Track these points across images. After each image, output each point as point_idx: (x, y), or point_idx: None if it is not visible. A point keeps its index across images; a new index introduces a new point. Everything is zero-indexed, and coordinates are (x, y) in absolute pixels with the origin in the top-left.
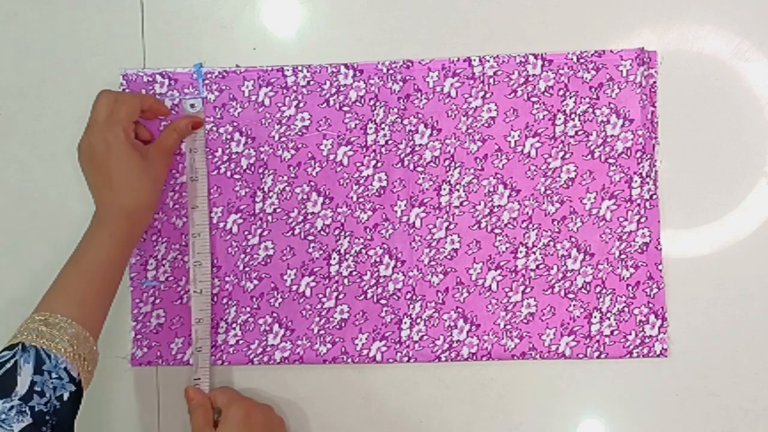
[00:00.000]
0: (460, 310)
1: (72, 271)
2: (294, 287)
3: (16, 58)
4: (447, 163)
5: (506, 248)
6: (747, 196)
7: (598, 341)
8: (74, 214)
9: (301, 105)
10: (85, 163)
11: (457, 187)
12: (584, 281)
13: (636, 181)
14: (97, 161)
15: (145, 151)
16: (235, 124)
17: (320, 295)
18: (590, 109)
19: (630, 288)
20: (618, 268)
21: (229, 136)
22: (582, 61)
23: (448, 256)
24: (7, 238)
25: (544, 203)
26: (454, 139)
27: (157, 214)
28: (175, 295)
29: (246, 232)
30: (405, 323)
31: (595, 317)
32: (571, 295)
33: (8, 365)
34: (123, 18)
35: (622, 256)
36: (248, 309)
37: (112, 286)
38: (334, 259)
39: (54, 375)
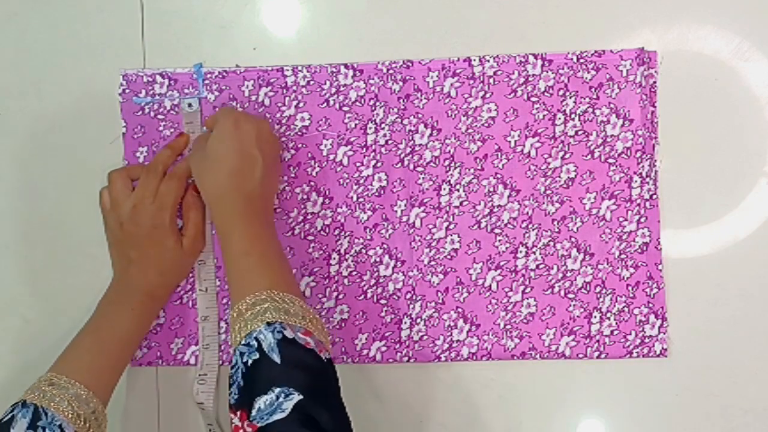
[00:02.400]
0: (460, 310)
1: (87, 338)
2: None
3: (16, 58)
4: (447, 163)
5: (506, 248)
6: (747, 196)
7: (598, 341)
8: (74, 214)
9: (301, 105)
10: (121, 236)
11: (457, 187)
12: (584, 281)
13: (636, 181)
14: (137, 240)
15: (181, 239)
16: None
17: (320, 295)
18: (590, 109)
19: (630, 288)
20: (618, 268)
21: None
22: (582, 61)
23: (448, 256)
24: (7, 238)
25: (544, 203)
26: (454, 139)
27: None
28: (174, 296)
29: None
30: (405, 323)
31: (595, 317)
32: (571, 295)
33: (5, 419)
34: (123, 18)
35: (622, 256)
36: None
37: (126, 355)
38: (334, 259)
39: (48, 431)
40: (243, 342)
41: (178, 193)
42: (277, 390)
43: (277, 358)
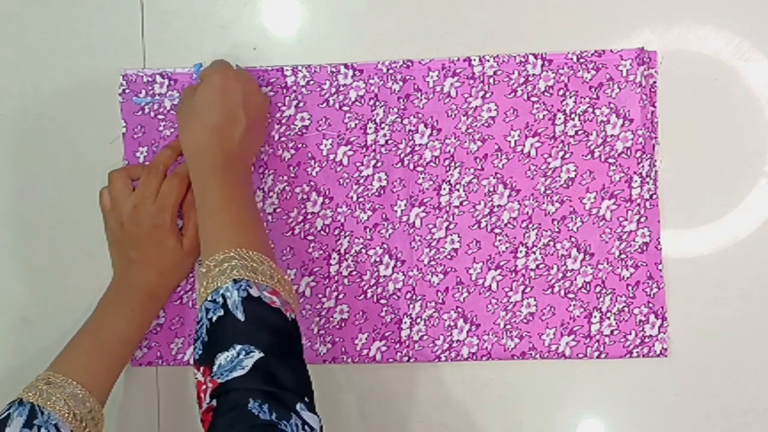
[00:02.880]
0: (460, 309)
1: (86, 338)
2: (294, 287)
3: (16, 58)
4: (447, 162)
5: (506, 248)
6: (747, 196)
7: (598, 341)
8: (74, 214)
9: (301, 105)
10: (121, 236)
11: (457, 186)
12: (584, 281)
13: (636, 181)
14: (137, 240)
15: (181, 239)
16: None
17: (320, 295)
18: (590, 109)
19: (630, 288)
20: (618, 267)
21: None
22: (582, 60)
23: (448, 256)
24: (7, 238)
25: (544, 203)
26: (454, 138)
27: None
28: (174, 296)
29: None
30: (405, 323)
31: (595, 317)
32: (571, 295)
33: (1, 417)
34: (123, 18)
35: (622, 256)
36: None
37: (125, 355)
38: (334, 258)
39: (43, 430)
40: (209, 298)
41: (179, 194)
42: (239, 347)
43: (240, 316)
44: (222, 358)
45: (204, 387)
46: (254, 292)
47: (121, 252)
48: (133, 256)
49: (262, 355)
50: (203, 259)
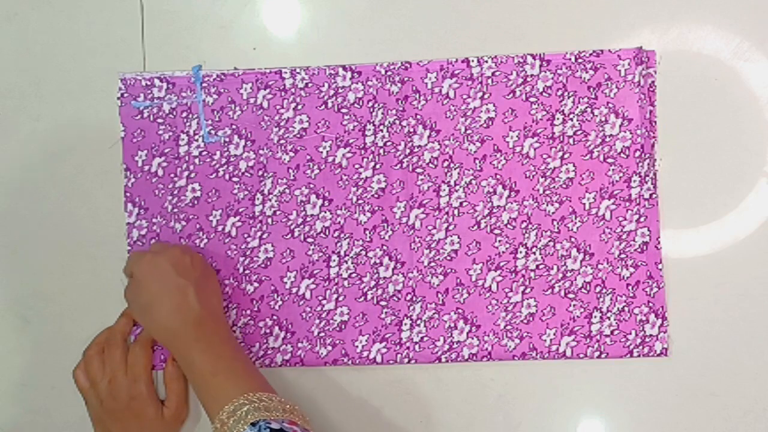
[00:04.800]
0: (460, 311)
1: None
2: (294, 289)
3: (16, 58)
4: (446, 164)
5: (506, 249)
6: (747, 196)
7: (598, 341)
8: (74, 214)
9: (300, 107)
10: (101, 413)
11: (457, 188)
12: (584, 281)
13: (635, 181)
14: (117, 414)
15: (162, 408)
16: (234, 126)
17: (320, 297)
18: (589, 109)
19: (630, 287)
20: (618, 267)
21: (227, 139)
22: (580, 61)
23: (448, 257)
24: (7, 238)
25: (543, 203)
26: (453, 140)
27: (155, 218)
28: None
29: (245, 235)
30: (405, 324)
31: (596, 317)
32: (571, 295)
33: None
34: (123, 18)
35: (622, 256)
36: (248, 312)
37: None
38: (334, 261)
39: None
40: None
41: (146, 361)
42: None
43: None
44: None
45: None
46: (275, 426)
47: (104, 428)
48: (115, 431)
49: None
50: (211, 418)
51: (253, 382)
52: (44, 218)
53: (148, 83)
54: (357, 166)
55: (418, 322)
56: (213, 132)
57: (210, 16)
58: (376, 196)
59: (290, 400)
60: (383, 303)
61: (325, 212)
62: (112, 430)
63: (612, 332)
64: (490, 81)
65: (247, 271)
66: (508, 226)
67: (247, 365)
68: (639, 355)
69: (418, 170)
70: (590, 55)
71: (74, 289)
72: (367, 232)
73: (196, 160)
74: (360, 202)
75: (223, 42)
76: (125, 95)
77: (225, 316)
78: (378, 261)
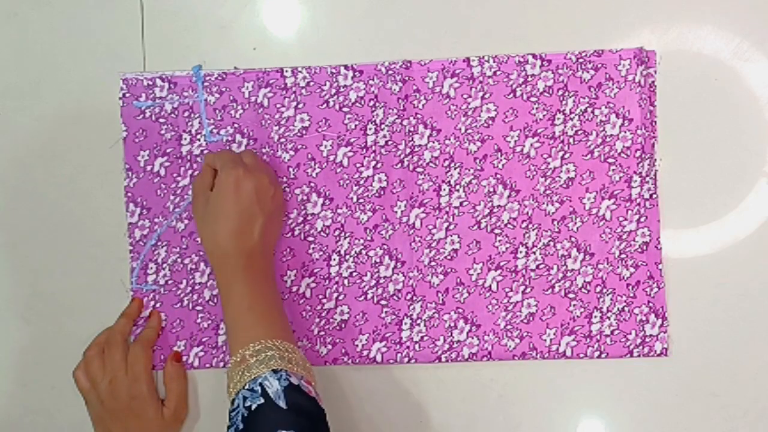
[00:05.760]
0: (460, 310)
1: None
2: (294, 288)
3: (16, 58)
4: (446, 163)
5: (506, 248)
6: (747, 196)
7: (598, 341)
8: (74, 215)
9: (301, 106)
10: (102, 413)
11: (457, 187)
12: (584, 281)
13: (635, 181)
14: (118, 414)
15: (162, 408)
16: (236, 125)
17: (320, 296)
18: (589, 109)
19: (630, 287)
20: (618, 267)
21: (229, 138)
22: (581, 60)
23: (448, 257)
24: (7, 238)
25: (543, 203)
26: (454, 139)
27: (157, 218)
28: (175, 299)
29: None
30: (405, 324)
31: (596, 317)
32: (571, 295)
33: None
34: (123, 18)
35: (622, 256)
36: None
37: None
38: (334, 260)
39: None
40: (246, 387)
41: (146, 361)
42: None
43: (283, 404)
44: None
45: None
46: (294, 381)
47: (105, 429)
48: (115, 431)
49: None
50: (233, 349)
51: (283, 330)
52: (44, 218)
53: (150, 83)
54: (358, 165)
55: (418, 321)
56: (215, 131)
57: (210, 16)
58: (376, 195)
59: (308, 360)
60: (383, 302)
61: (326, 211)
62: (113, 430)
63: (612, 332)
64: (490, 81)
65: None
66: (509, 225)
67: (282, 312)
68: (639, 355)
69: (419, 170)
70: (591, 55)
71: (74, 289)
72: (368, 231)
73: (198, 159)
74: (360, 201)
75: (223, 42)
76: (127, 95)
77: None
78: (378, 260)
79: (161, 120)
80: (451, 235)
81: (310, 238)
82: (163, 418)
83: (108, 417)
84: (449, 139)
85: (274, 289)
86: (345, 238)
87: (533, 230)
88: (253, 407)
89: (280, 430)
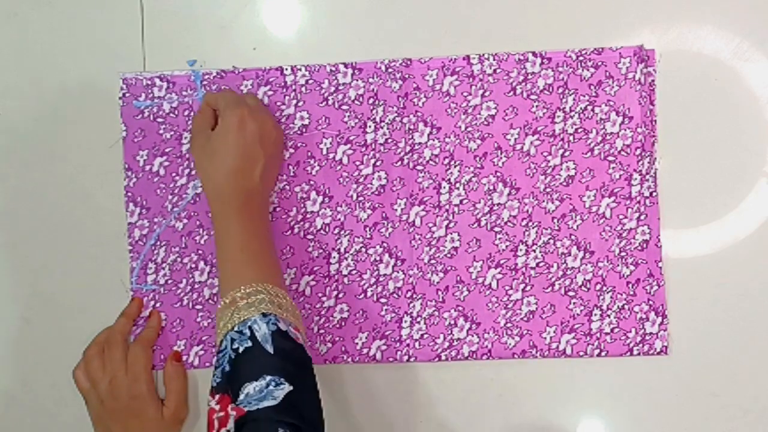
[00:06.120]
0: (460, 308)
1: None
2: (294, 286)
3: (16, 58)
4: (446, 161)
5: (506, 246)
6: (747, 196)
7: (598, 339)
8: (74, 215)
9: (300, 104)
10: (102, 413)
11: (457, 185)
12: (584, 279)
13: (635, 179)
14: (118, 414)
15: (161, 408)
16: None
17: (320, 294)
18: (589, 107)
19: (630, 285)
20: (618, 265)
21: None
22: (581, 58)
23: (448, 255)
24: (7, 238)
25: (543, 201)
26: (454, 137)
27: (156, 218)
28: (174, 298)
29: None
30: (405, 322)
31: (596, 315)
32: (571, 293)
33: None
34: (123, 18)
35: (622, 254)
36: None
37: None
38: (334, 257)
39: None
40: (236, 329)
41: (146, 361)
42: (269, 378)
43: (270, 348)
44: (250, 388)
45: (221, 414)
46: (282, 326)
47: (105, 428)
48: (115, 431)
49: (291, 387)
50: (223, 291)
51: (274, 274)
52: (44, 218)
53: (149, 83)
54: (357, 163)
55: (418, 319)
56: None
57: (210, 16)
58: (376, 193)
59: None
60: (383, 300)
61: (326, 209)
62: (113, 430)
63: (612, 330)
64: (490, 78)
65: None
66: (509, 223)
67: (274, 257)
68: (639, 353)
69: (419, 167)
70: (591, 52)
71: (74, 289)
72: (368, 229)
73: None
74: (360, 199)
75: (223, 42)
76: (126, 95)
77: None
78: (378, 258)
79: (160, 120)
80: (451, 233)
81: (310, 236)
82: (163, 418)
83: (108, 417)
84: (449, 137)
85: (269, 232)
86: (345, 236)
87: (533, 228)
88: (241, 350)
89: (267, 374)
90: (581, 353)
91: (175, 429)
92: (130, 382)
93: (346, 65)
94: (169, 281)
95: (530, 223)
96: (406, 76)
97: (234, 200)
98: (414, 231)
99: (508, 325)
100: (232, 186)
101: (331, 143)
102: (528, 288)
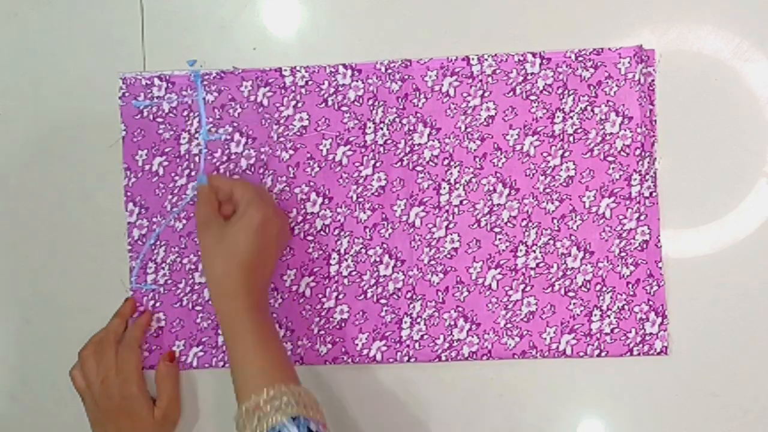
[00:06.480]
0: (460, 309)
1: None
2: (294, 287)
3: (16, 58)
4: (446, 162)
5: (506, 247)
6: (747, 196)
7: (598, 339)
8: (74, 215)
9: (300, 105)
10: (98, 413)
11: (457, 186)
12: (584, 279)
13: (635, 179)
14: (111, 414)
15: (153, 409)
16: (234, 124)
17: (320, 295)
18: (589, 107)
19: (630, 286)
20: (618, 265)
21: (228, 137)
22: (580, 59)
23: (448, 255)
24: (7, 238)
25: (543, 201)
26: (453, 138)
27: (156, 218)
28: (174, 298)
29: None
30: (405, 323)
31: (596, 315)
32: (571, 293)
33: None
34: (123, 18)
35: (622, 254)
36: None
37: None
38: (334, 259)
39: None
40: None
41: (136, 361)
42: None
43: None
44: None
45: None
46: (313, 427)
47: (101, 428)
48: (110, 431)
49: None
50: (243, 395)
51: (292, 372)
52: (44, 218)
53: (149, 82)
54: (357, 164)
55: (418, 320)
56: (214, 130)
57: (210, 16)
58: (376, 194)
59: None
60: (383, 301)
61: (325, 210)
62: (108, 430)
63: (612, 330)
64: (490, 79)
65: None
66: (509, 224)
67: (282, 346)
68: (639, 354)
69: (419, 168)
70: (590, 53)
71: (74, 289)
72: (367, 230)
73: (197, 159)
74: (360, 200)
75: (223, 42)
76: (126, 95)
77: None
78: (378, 259)
79: (159, 119)
80: (451, 234)
81: (310, 237)
82: (155, 419)
83: (102, 416)
84: (449, 138)
85: (275, 327)
86: (344, 237)
87: (533, 229)
88: None
89: None
90: (581, 353)
91: (166, 429)
92: (120, 382)
93: (345, 66)
94: (169, 281)
95: (530, 224)
96: (406, 76)
97: (247, 299)
98: (414, 232)
99: (508, 325)
100: (245, 285)
101: (330, 144)
102: (528, 288)
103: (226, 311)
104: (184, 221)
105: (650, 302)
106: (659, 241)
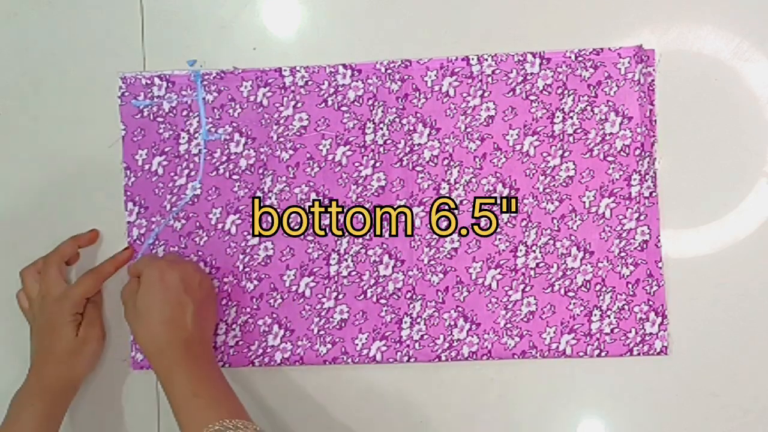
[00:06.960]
0: (460, 309)
1: None
2: (293, 288)
3: (16, 58)
4: (446, 162)
5: (506, 247)
6: (747, 196)
7: (598, 339)
8: (74, 214)
9: (299, 105)
10: (34, 330)
11: (456, 186)
12: (584, 279)
13: (635, 179)
14: (42, 331)
15: (78, 329)
16: (234, 124)
17: (320, 296)
18: (589, 107)
19: (630, 285)
20: (618, 265)
21: (228, 137)
22: (580, 59)
23: (448, 255)
24: (7, 238)
25: (543, 201)
26: (453, 138)
27: (155, 217)
28: None
29: (245, 233)
30: (405, 323)
31: (596, 315)
32: (571, 294)
33: None
34: (123, 18)
35: (622, 254)
36: (248, 309)
37: None
38: (334, 259)
39: None
40: None
41: (89, 290)
42: None
43: None
44: None
45: None
46: None
47: (33, 347)
48: (37, 348)
49: None
50: None
51: (231, 407)
52: (44, 218)
53: (148, 82)
54: (357, 164)
55: (418, 320)
56: (213, 130)
57: (210, 16)
58: (375, 194)
59: (263, 429)
60: (383, 301)
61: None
62: (37, 347)
63: (612, 330)
64: (490, 79)
65: (246, 269)
66: (508, 224)
67: (228, 390)
68: (639, 354)
69: (418, 168)
70: (590, 53)
71: None
72: None
73: (196, 158)
74: (360, 200)
75: (223, 42)
76: (126, 94)
77: (213, 339)
78: (378, 259)
79: (159, 119)
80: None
81: (310, 238)
82: (77, 338)
83: (36, 334)
84: (449, 138)
85: (216, 370)
86: (344, 237)
87: (533, 229)
88: None
89: None
90: (581, 353)
91: (87, 350)
92: (58, 297)
93: (345, 66)
94: None
95: (530, 224)
96: (406, 77)
97: (172, 351)
98: (414, 232)
99: (508, 325)
100: (166, 338)
101: (330, 144)
102: (528, 288)
103: (156, 368)
104: (183, 221)
105: (650, 302)
106: (659, 241)
